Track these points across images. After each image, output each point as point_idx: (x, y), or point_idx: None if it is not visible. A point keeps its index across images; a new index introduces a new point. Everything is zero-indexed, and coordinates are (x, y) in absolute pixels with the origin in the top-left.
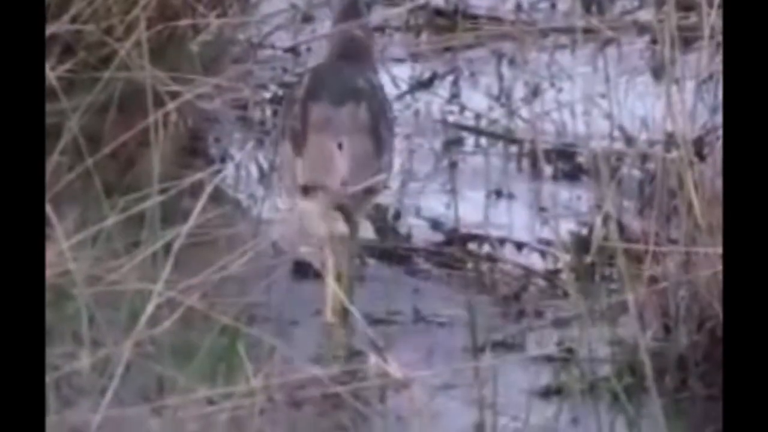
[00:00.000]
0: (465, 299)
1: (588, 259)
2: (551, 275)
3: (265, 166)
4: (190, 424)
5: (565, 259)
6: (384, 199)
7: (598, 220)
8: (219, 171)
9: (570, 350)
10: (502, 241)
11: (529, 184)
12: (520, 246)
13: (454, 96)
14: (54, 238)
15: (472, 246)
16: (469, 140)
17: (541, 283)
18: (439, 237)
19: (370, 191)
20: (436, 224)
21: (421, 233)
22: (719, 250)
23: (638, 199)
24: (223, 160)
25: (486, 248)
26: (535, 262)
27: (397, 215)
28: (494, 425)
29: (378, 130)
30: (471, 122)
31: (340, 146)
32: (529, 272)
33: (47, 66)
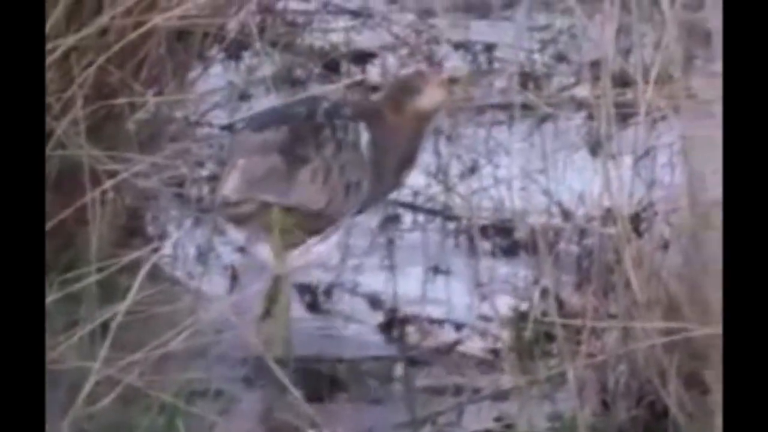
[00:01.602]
0: (403, 375)
1: (526, 334)
2: (490, 352)
3: (203, 243)
4: None
5: (504, 335)
6: (321, 275)
7: (536, 296)
8: (157, 249)
9: (509, 426)
10: (441, 322)
11: (467, 260)
12: (458, 326)
13: None
14: None
15: (412, 326)
16: (407, 217)
17: (480, 358)
18: (378, 317)
19: (266, 205)
20: (374, 302)
21: (359, 313)
22: (658, 324)
23: (576, 274)
24: (161, 237)
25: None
26: (474, 340)
27: (329, 291)
28: None
29: (293, 150)
30: (409, 199)
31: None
32: (466, 353)
33: None
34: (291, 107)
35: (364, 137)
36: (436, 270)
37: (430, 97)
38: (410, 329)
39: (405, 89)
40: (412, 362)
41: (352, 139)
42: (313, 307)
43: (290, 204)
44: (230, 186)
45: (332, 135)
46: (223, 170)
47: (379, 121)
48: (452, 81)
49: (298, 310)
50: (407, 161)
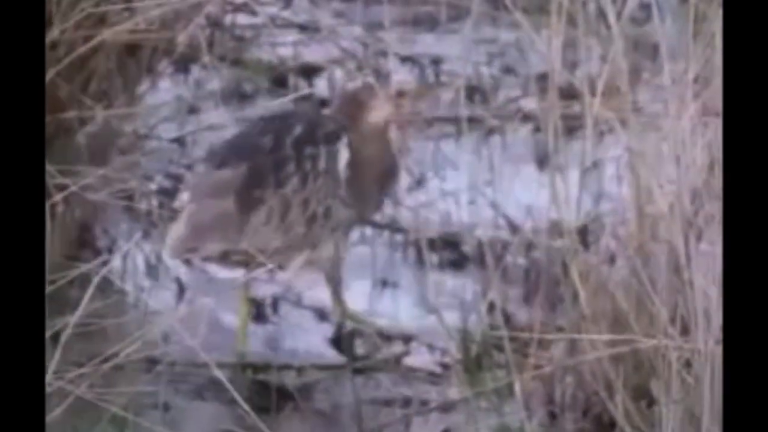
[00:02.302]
0: (351, 387)
1: (473, 347)
2: (438, 364)
3: (152, 256)
4: None
5: (451, 347)
6: (270, 288)
7: (484, 309)
8: (106, 262)
9: None
10: (388, 337)
11: (415, 274)
12: (406, 339)
13: None
14: None
15: (360, 339)
16: (354, 230)
17: (428, 371)
18: (326, 330)
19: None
20: (322, 315)
21: (306, 325)
22: (604, 336)
23: (523, 286)
24: (110, 250)
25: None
26: (422, 352)
27: (275, 304)
28: None
29: (249, 191)
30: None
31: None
32: (415, 363)
33: None
34: (257, 137)
35: (343, 157)
36: (383, 283)
37: (379, 110)
38: (358, 342)
39: (354, 103)
40: (360, 374)
41: (325, 165)
42: (260, 318)
43: (241, 249)
44: (175, 235)
45: (297, 168)
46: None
47: (357, 137)
48: (400, 95)
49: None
50: (388, 176)
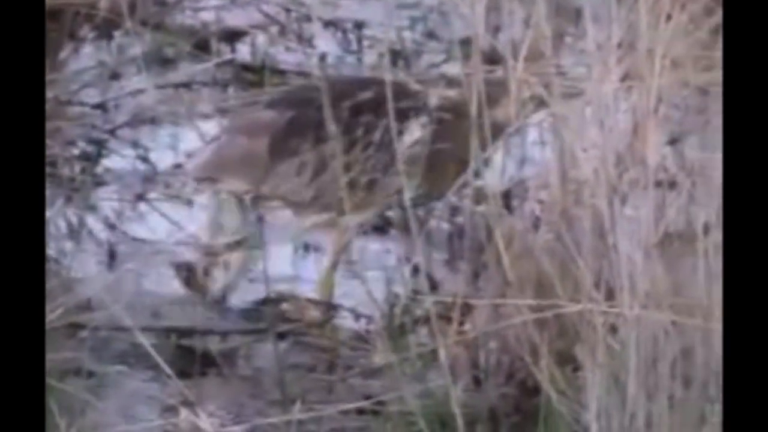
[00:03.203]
0: (275, 353)
1: (397, 311)
2: (361, 330)
3: (75, 222)
4: None
5: (375, 313)
6: (192, 253)
7: (407, 273)
8: None
9: (380, 403)
10: (312, 300)
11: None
12: (330, 304)
13: None
14: None
15: (284, 304)
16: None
17: (351, 336)
18: (252, 296)
19: None
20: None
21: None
22: (529, 301)
23: (447, 251)
24: None
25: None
26: (346, 318)
27: (207, 271)
28: None
29: (286, 139)
30: None
31: None
32: (339, 329)
33: None
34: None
35: (413, 134)
36: (306, 248)
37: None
38: (282, 307)
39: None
40: (284, 339)
41: (380, 137)
42: (190, 283)
43: (263, 192)
44: (195, 162)
45: (346, 131)
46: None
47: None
48: None
49: (176, 286)
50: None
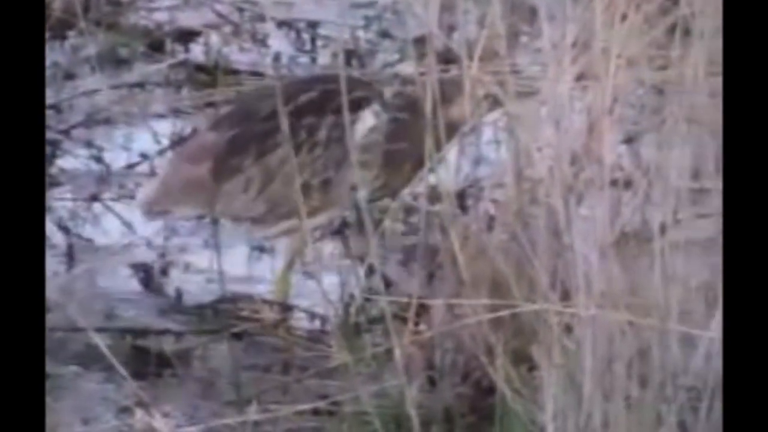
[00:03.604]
0: (230, 353)
1: (352, 312)
2: (317, 330)
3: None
4: None
5: (330, 313)
6: (146, 254)
7: (362, 274)
8: None
9: (335, 404)
10: (269, 302)
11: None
12: (285, 304)
13: None
14: None
15: (239, 304)
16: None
17: (307, 337)
18: (207, 296)
19: None
20: (204, 281)
21: (188, 291)
22: (484, 301)
23: (402, 252)
24: None
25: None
26: (301, 318)
27: (164, 271)
28: None
29: (227, 158)
30: None
31: None
32: (294, 329)
33: None
34: (257, 102)
35: (365, 124)
36: (261, 249)
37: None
38: (238, 307)
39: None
40: (239, 340)
41: (327, 134)
42: (148, 284)
43: (217, 215)
44: (143, 196)
45: (293, 135)
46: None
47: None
48: None
49: (134, 286)
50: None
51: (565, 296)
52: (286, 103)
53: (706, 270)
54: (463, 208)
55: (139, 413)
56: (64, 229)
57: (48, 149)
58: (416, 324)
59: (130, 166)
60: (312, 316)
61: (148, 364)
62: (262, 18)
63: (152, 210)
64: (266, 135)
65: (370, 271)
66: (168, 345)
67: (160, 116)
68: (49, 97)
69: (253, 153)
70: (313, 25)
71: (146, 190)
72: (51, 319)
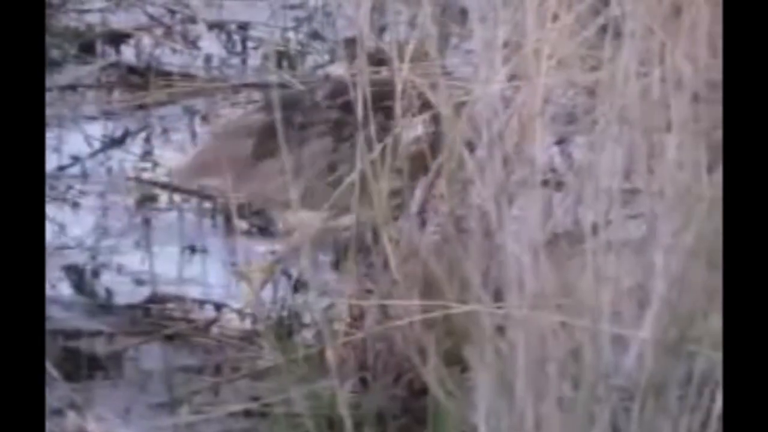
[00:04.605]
0: (163, 355)
1: (284, 312)
2: (248, 331)
3: None
4: None
5: (262, 313)
6: (78, 256)
7: (294, 275)
8: None
9: (267, 405)
10: (201, 302)
11: (224, 240)
12: (217, 306)
13: (147, 153)
14: None
15: (170, 305)
16: (163, 197)
17: (239, 338)
18: (138, 296)
19: None
20: (134, 282)
21: (120, 291)
22: (415, 302)
23: (334, 252)
24: None
25: (184, 307)
26: (233, 319)
27: (96, 273)
28: None
29: (267, 140)
30: (164, 179)
31: None
32: (226, 330)
33: None
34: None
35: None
36: (192, 250)
37: None
38: (169, 308)
39: None
40: (171, 341)
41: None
42: (79, 286)
43: (245, 195)
44: (178, 165)
45: (333, 128)
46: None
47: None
48: None
49: (66, 288)
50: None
51: (498, 297)
52: (337, 97)
53: (638, 270)
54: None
55: (71, 416)
56: None
57: None
58: (348, 325)
59: (62, 168)
60: (244, 317)
61: (80, 366)
62: (193, 20)
63: (184, 180)
64: (311, 125)
65: (302, 272)
66: (100, 347)
67: (92, 118)
68: None
69: (295, 140)
70: (243, 26)
71: (182, 160)
72: None
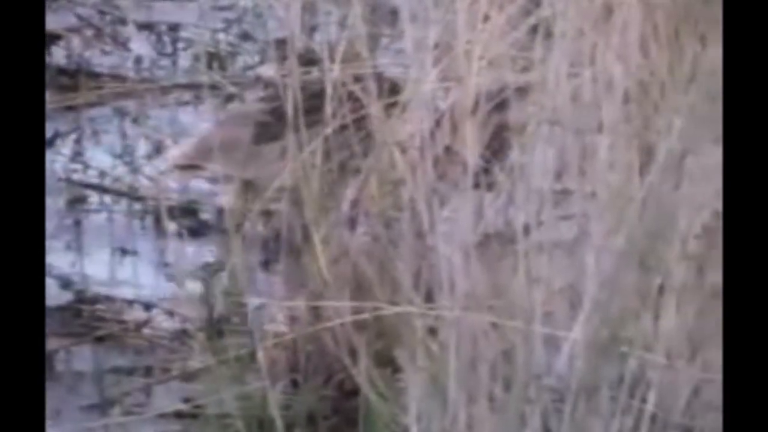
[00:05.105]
0: (93, 356)
1: (214, 314)
2: (179, 332)
3: None
4: None
5: (192, 315)
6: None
7: (224, 276)
8: None
9: (198, 406)
10: (130, 302)
11: (154, 242)
12: (148, 306)
13: (77, 154)
14: None
15: (100, 306)
16: (93, 198)
17: (169, 339)
18: (68, 297)
19: None
20: (65, 283)
21: (50, 294)
22: (346, 303)
23: (264, 254)
24: None
25: (115, 308)
26: (163, 320)
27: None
28: None
29: (270, 124)
30: (95, 180)
31: None
32: (156, 331)
33: None
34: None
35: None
36: (123, 252)
37: None
38: (98, 309)
39: None
40: (101, 342)
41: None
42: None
43: (247, 177)
44: (178, 152)
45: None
46: None
47: None
48: None
49: None
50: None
51: (429, 298)
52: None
53: (570, 271)
54: (327, 209)
55: None
56: None
57: None
58: (278, 326)
59: None
60: (175, 317)
61: None
62: (123, 21)
63: (183, 165)
64: (310, 111)
65: (232, 273)
66: None
67: None
68: None
69: (294, 125)
70: (174, 27)
71: (182, 147)
72: None
